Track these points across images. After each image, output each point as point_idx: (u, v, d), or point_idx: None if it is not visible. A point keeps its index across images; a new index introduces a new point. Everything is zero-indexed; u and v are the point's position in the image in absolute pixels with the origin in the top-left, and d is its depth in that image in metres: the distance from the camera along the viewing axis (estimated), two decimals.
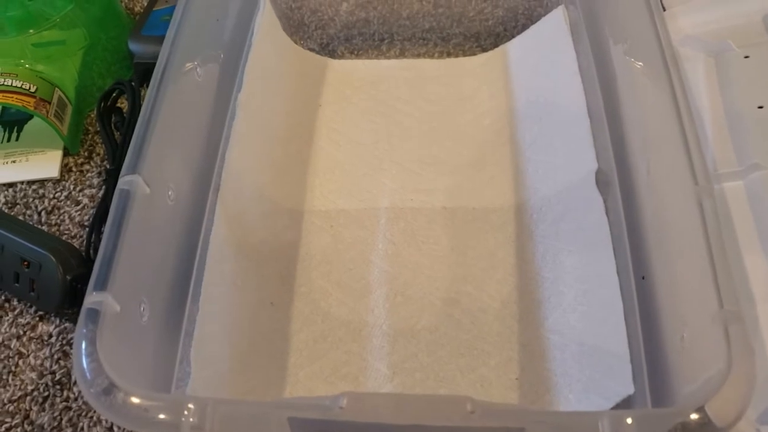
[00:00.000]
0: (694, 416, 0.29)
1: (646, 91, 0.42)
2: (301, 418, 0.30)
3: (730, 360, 0.30)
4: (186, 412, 0.30)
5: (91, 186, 0.54)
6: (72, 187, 0.54)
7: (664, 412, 0.30)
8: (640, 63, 0.43)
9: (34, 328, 0.47)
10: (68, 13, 0.56)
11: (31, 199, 0.54)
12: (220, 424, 0.30)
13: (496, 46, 0.60)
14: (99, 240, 0.35)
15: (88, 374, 0.31)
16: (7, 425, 0.43)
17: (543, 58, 0.55)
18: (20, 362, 0.46)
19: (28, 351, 0.46)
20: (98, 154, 0.56)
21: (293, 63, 0.58)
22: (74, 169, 0.56)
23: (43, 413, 0.44)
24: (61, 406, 0.44)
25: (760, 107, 0.47)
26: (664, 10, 0.55)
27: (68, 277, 0.46)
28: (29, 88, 0.54)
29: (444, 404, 0.30)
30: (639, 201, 0.41)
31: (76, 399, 0.44)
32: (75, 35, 0.57)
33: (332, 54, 0.61)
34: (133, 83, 0.55)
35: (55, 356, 0.46)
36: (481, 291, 0.46)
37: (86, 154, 0.56)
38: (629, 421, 0.28)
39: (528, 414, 0.32)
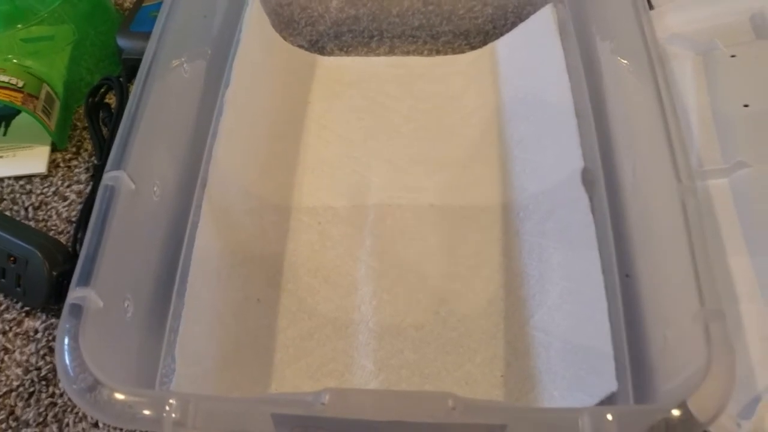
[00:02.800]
0: (675, 412, 0.29)
1: (632, 89, 0.42)
2: (284, 414, 0.30)
3: (710, 357, 0.30)
4: (168, 408, 0.30)
5: (78, 182, 0.54)
6: (59, 182, 0.54)
7: (644, 408, 0.30)
8: (626, 61, 0.43)
9: (20, 323, 0.47)
10: (57, 9, 0.56)
11: (18, 195, 0.54)
12: (203, 420, 0.30)
13: (486, 43, 0.60)
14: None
15: (70, 370, 0.31)
16: None
17: (531, 56, 0.55)
18: (6, 358, 0.46)
19: (13, 347, 0.46)
20: (86, 150, 0.56)
21: (282, 59, 0.58)
22: (62, 164, 0.55)
23: (28, 409, 0.44)
24: (46, 402, 0.44)
25: (746, 106, 0.47)
26: (652, 8, 0.55)
27: (54, 273, 0.46)
28: (17, 83, 0.54)
29: (425, 400, 0.31)
30: (624, 199, 0.42)
31: (61, 395, 0.44)
32: (63, 31, 0.57)
33: (321, 51, 0.61)
34: (121, 79, 0.55)
35: (41, 352, 0.46)
36: (467, 289, 0.47)
37: (74, 149, 0.56)
38: (609, 417, 0.29)
39: (509, 410, 0.32)
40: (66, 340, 0.32)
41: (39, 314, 0.48)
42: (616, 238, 0.41)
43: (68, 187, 0.54)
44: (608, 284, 0.41)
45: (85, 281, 0.33)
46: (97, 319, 0.33)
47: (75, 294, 0.33)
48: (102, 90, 0.56)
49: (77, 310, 0.32)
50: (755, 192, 0.44)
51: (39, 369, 0.45)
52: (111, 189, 0.37)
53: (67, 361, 0.31)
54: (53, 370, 0.45)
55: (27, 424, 0.43)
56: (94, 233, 0.35)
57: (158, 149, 0.42)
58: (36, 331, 0.47)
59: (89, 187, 0.53)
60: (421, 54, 0.61)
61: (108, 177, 0.37)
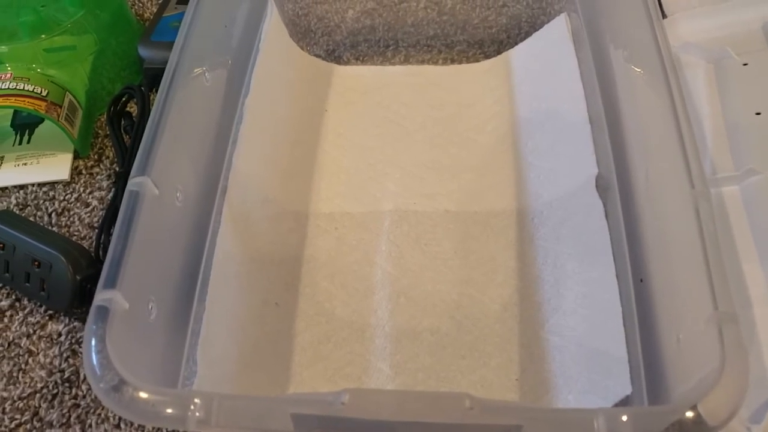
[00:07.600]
0: (689, 414, 0.29)
1: (645, 97, 0.43)
2: (304, 414, 0.31)
3: (723, 360, 0.30)
4: (192, 407, 0.30)
5: (100, 188, 0.55)
6: (82, 189, 0.55)
7: (658, 410, 0.30)
8: (639, 69, 0.44)
9: (43, 327, 0.48)
10: (79, 19, 0.57)
11: (41, 201, 0.55)
12: (226, 418, 0.31)
13: (500, 53, 0.61)
14: (108, 241, 0.36)
15: (97, 370, 0.32)
16: (17, 422, 0.44)
17: (545, 65, 0.56)
18: (30, 360, 0.47)
19: (37, 349, 0.47)
20: (108, 158, 0.57)
21: (300, 69, 0.58)
22: (84, 171, 0.57)
23: (52, 410, 0.44)
24: (69, 404, 0.45)
25: (758, 113, 0.48)
26: (665, 17, 0.56)
27: (78, 277, 0.46)
28: (41, 92, 0.55)
29: (443, 401, 0.31)
30: (638, 205, 0.42)
31: (84, 396, 0.45)
32: (86, 41, 0.58)
33: (338, 60, 0.62)
34: (142, 88, 0.56)
35: (64, 354, 0.47)
36: (482, 293, 0.47)
37: (96, 157, 0.57)
38: (624, 418, 0.29)
39: (525, 411, 0.32)
40: (93, 341, 0.32)
41: (62, 318, 0.49)
42: (630, 243, 0.42)
43: (90, 193, 0.55)
44: (622, 289, 0.41)
45: (111, 283, 0.34)
46: (122, 321, 0.34)
47: (102, 296, 0.34)
48: (123, 99, 0.57)
49: (104, 311, 0.33)
50: (766, 199, 0.44)
51: (62, 371, 0.46)
52: (136, 194, 0.37)
53: (94, 361, 0.32)
54: (76, 372, 0.46)
55: (51, 425, 0.44)
56: (120, 237, 0.36)
57: (181, 156, 0.43)
58: (59, 334, 0.48)
59: (111, 194, 0.54)
60: (436, 63, 0.62)
61: (133, 183, 0.38)
